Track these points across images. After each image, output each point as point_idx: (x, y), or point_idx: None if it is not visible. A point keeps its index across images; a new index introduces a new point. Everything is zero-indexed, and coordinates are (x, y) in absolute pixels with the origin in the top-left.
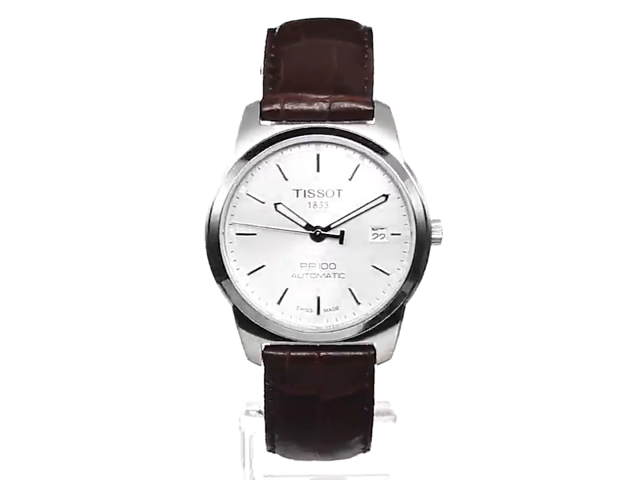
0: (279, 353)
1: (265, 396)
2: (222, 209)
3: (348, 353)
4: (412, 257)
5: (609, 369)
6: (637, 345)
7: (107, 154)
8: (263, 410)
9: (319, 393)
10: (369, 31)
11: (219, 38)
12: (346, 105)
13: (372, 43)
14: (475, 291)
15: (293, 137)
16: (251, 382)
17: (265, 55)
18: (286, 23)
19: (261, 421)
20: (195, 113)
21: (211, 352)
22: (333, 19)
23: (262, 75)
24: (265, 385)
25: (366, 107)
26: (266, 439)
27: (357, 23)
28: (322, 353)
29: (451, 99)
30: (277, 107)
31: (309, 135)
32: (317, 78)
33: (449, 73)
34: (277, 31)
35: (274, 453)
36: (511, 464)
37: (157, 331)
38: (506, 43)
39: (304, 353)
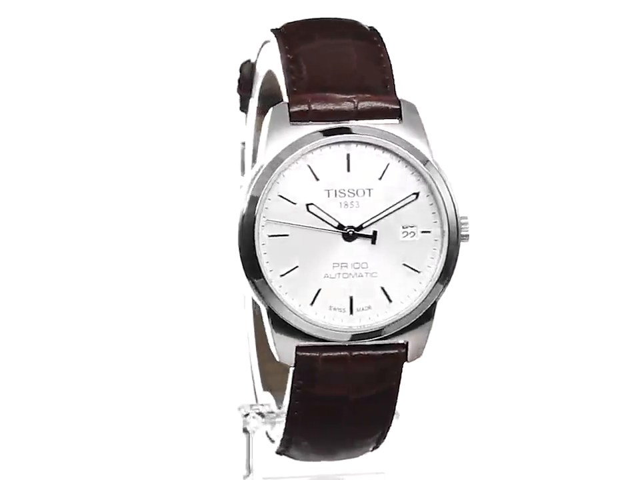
0: (312, 354)
1: (291, 397)
2: (256, 211)
3: (380, 352)
4: (442, 254)
5: (622, 372)
6: None
7: (119, 154)
8: (264, 412)
9: (348, 393)
10: (374, 30)
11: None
12: (373, 104)
13: (383, 42)
14: (478, 289)
15: (323, 137)
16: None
17: (281, 56)
18: (290, 22)
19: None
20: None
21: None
22: (336, 18)
23: (283, 76)
24: (292, 386)
25: (393, 106)
26: (282, 441)
27: (361, 23)
28: (354, 353)
29: (452, 97)
30: (305, 107)
31: (339, 135)
32: (340, 78)
33: (449, 72)
34: (284, 30)
35: (283, 455)
36: (510, 463)
37: (157, 331)
38: (509, 38)
39: (336, 353)
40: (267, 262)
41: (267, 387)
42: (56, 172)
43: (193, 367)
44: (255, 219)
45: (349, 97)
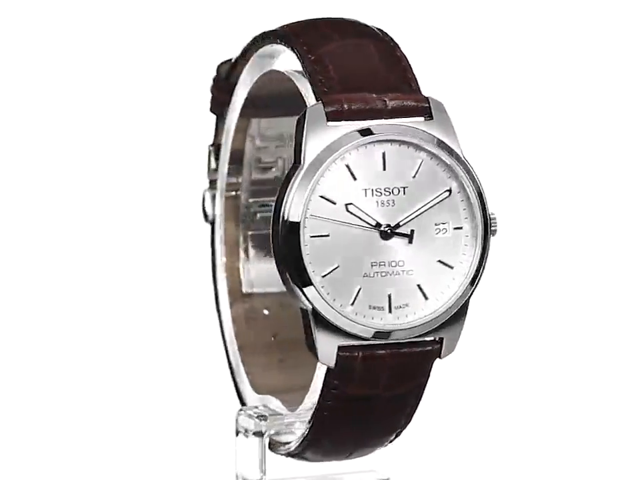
0: (352, 354)
1: (322, 397)
2: (302, 213)
3: (416, 349)
4: (474, 249)
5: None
6: None
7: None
8: (268, 414)
9: (382, 392)
10: (381, 30)
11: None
12: (403, 102)
13: (395, 41)
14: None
15: (361, 136)
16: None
17: (302, 57)
18: (294, 23)
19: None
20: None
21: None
22: (342, 18)
23: (309, 76)
24: (325, 386)
25: (422, 104)
26: (301, 442)
27: (366, 23)
28: (392, 351)
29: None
30: (339, 107)
31: (376, 134)
32: (368, 77)
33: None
34: (291, 31)
35: (294, 457)
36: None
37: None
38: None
39: (375, 352)
40: (310, 263)
41: (260, 390)
42: (24, 171)
43: (170, 371)
44: (300, 221)
45: (379, 96)
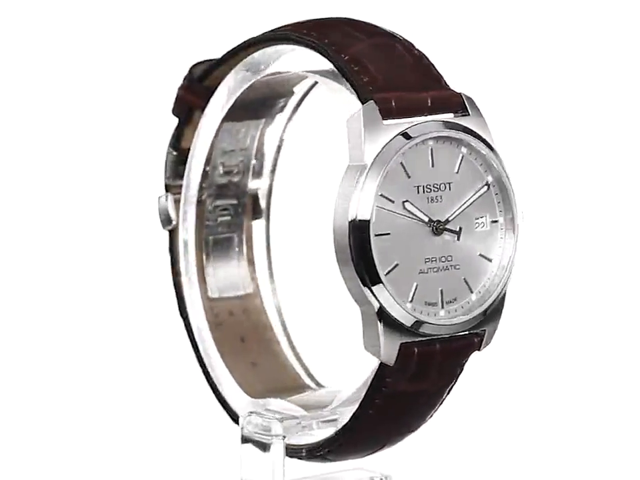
0: (410, 350)
1: (370, 396)
2: (371, 212)
3: (463, 343)
4: (509, 241)
5: None
6: None
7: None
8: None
9: (429, 386)
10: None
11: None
12: (442, 98)
13: (409, 40)
14: None
15: (415, 134)
16: None
17: (332, 57)
18: (301, 23)
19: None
20: None
21: None
22: (347, 17)
23: (349, 76)
24: (376, 384)
25: (457, 99)
26: (332, 443)
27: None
28: (443, 346)
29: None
30: (389, 105)
31: (428, 132)
32: (406, 75)
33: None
34: (302, 31)
35: (316, 459)
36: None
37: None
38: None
39: (429, 348)
40: (378, 261)
41: (257, 394)
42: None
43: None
44: (369, 219)
45: (421, 92)
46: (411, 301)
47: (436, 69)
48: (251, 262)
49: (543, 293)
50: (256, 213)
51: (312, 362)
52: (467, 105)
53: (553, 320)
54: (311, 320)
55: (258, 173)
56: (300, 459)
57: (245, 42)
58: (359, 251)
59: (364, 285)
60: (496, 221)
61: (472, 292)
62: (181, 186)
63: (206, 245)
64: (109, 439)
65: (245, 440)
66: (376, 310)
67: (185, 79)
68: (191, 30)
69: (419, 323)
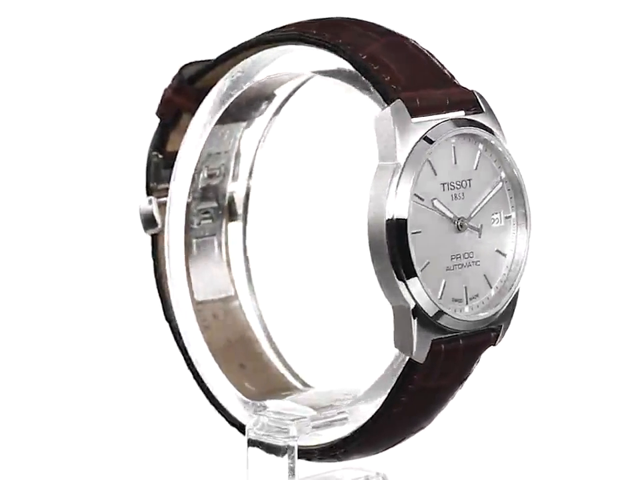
0: (439, 347)
1: (395, 393)
2: (408, 210)
3: (481, 338)
4: (521, 236)
5: None
6: None
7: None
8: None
9: (450, 382)
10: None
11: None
12: (459, 96)
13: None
14: None
15: (441, 131)
16: None
17: (350, 57)
18: (306, 23)
19: None
20: None
21: None
22: (350, 17)
23: (369, 75)
24: (403, 382)
25: (472, 97)
26: (349, 442)
27: None
28: (464, 342)
29: None
30: (415, 103)
31: (451, 129)
32: (425, 73)
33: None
34: (312, 31)
35: (329, 460)
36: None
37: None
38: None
39: (455, 344)
40: (415, 259)
41: (252, 396)
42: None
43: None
44: (407, 218)
45: (439, 90)
46: (441, 299)
47: (446, 68)
48: (228, 264)
49: (543, 293)
50: (233, 215)
51: (295, 362)
52: (480, 102)
53: (553, 320)
54: (291, 321)
55: (236, 176)
56: (309, 460)
57: (245, 43)
58: (396, 249)
59: (402, 283)
60: (509, 217)
61: (491, 287)
62: (164, 189)
63: (191, 248)
64: (93, 450)
65: (252, 443)
66: (412, 307)
67: (174, 80)
68: (170, 31)
69: (448, 320)
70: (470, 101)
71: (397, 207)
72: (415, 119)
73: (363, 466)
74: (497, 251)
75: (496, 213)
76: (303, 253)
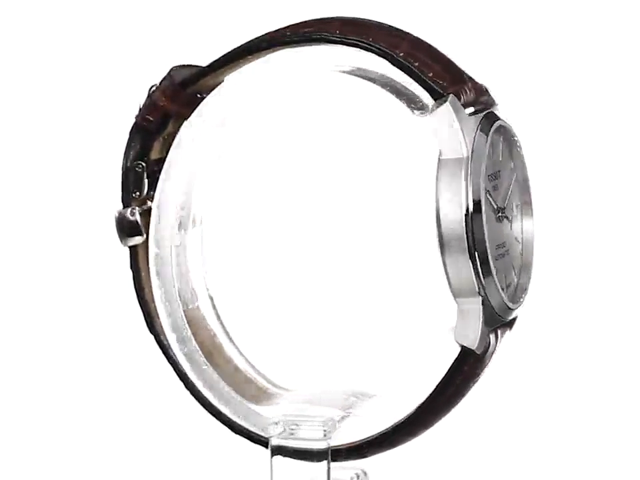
0: (490, 336)
1: (445, 384)
2: (484, 203)
3: (508, 325)
4: (527, 225)
5: None
6: None
7: None
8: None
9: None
10: None
11: None
12: (480, 90)
13: None
14: None
15: (490, 124)
16: None
17: (386, 54)
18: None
19: None
20: None
21: None
22: (361, 18)
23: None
24: (455, 372)
25: (486, 91)
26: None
27: None
28: (501, 329)
29: None
30: (462, 98)
31: (496, 122)
32: (453, 69)
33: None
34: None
35: (358, 457)
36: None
37: None
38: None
39: (501, 332)
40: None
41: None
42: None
43: None
44: (482, 211)
45: (470, 85)
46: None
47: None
48: (189, 271)
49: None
50: (192, 222)
51: (263, 366)
52: (492, 96)
53: (553, 319)
54: (252, 325)
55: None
56: (334, 460)
57: (249, 45)
58: (475, 241)
59: (475, 273)
60: (518, 205)
61: (515, 275)
62: (145, 199)
63: (171, 257)
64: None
65: (277, 451)
66: (482, 299)
67: (163, 82)
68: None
69: (504, 310)
70: (486, 94)
71: (471, 200)
72: (468, 111)
73: (344, 464)
74: (515, 238)
75: (514, 202)
76: (259, 257)
